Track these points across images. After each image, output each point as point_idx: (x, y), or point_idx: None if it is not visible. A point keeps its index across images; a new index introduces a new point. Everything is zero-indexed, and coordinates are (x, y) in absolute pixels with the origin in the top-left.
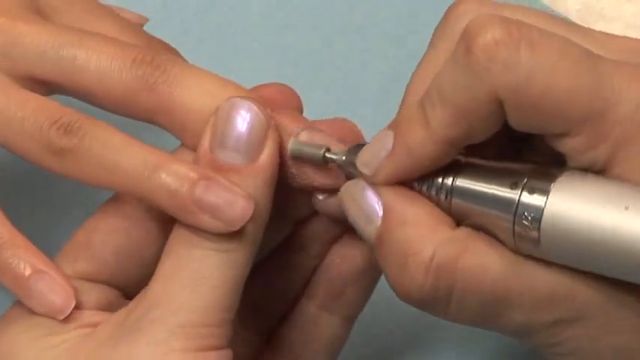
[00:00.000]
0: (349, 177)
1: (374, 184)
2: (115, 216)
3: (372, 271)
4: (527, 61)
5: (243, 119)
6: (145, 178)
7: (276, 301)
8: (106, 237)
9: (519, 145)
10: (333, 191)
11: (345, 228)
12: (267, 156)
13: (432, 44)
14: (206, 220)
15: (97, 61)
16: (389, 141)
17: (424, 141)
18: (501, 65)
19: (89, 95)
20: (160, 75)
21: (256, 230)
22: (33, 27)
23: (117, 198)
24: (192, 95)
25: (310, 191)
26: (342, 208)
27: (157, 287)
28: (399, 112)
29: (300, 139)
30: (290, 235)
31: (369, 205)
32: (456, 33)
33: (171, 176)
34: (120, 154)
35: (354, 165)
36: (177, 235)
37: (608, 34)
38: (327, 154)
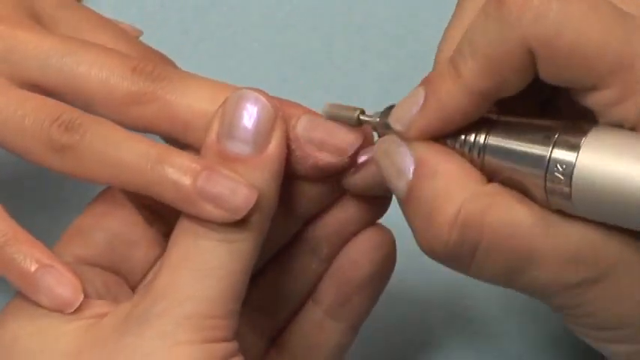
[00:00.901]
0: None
1: (407, 139)
2: (107, 202)
3: (379, 280)
4: (559, 12)
5: (251, 110)
6: (147, 171)
7: (283, 304)
8: (98, 220)
9: (546, 106)
10: (341, 171)
11: (369, 212)
12: (274, 147)
13: (460, 4)
14: (210, 210)
15: (99, 71)
16: (420, 96)
17: (456, 93)
18: (533, 16)
19: (89, 104)
20: (159, 83)
21: (262, 221)
22: (33, 35)
23: (110, 188)
24: (193, 100)
25: (317, 179)
26: (376, 163)
27: (163, 279)
28: (433, 70)
29: (333, 104)
30: (300, 236)
31: (402, 159)
32: None
33: (173, 168)
34: (122, 148)
35: (387, 126)
36: (183, 226)
37: None
38: (362, 116)
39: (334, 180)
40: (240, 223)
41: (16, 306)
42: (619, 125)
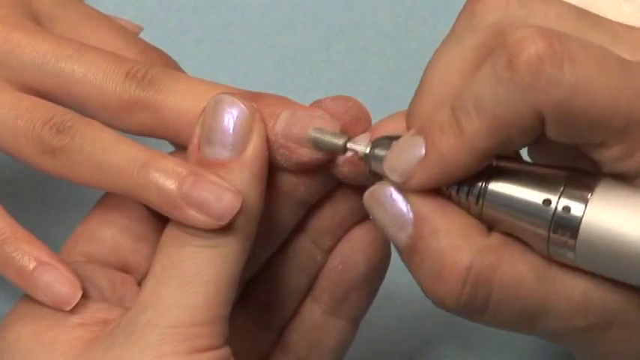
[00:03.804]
0: (370, 170)
1: (403, 190)
2: (114, 200)
3: (376, 276)
4: (571, 77)
5: (228, 114)
6: (134, 174)
7: (289, 296)
8: (104, 218)
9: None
10: (330, 160)
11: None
12: (253, 149)
13: (455, 35)
14: (194, 216)
15: (94, 75)
16: (418, 147)
17: (458, 150)
18: (546, 82)
19: (84, 107)
20: (150, 89)
21: (247, 224)
22: (31, 37)
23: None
24: (183, 102)
25: (309, 172)
26: (368, 211)
27: (147, 288)
28: (417, 100)
29: (319, 128)
30: (302, 228)
31: (400, 212)
32: (482, 27)
33: (159, 172)
34: (109, 151)
35: (377, 158)
36: (168, 235)
37: (628, 26)
38: (349, 145)
39: (326, 170)
40: (223, 228)
41: (23, 308)
42: (621, 177)
